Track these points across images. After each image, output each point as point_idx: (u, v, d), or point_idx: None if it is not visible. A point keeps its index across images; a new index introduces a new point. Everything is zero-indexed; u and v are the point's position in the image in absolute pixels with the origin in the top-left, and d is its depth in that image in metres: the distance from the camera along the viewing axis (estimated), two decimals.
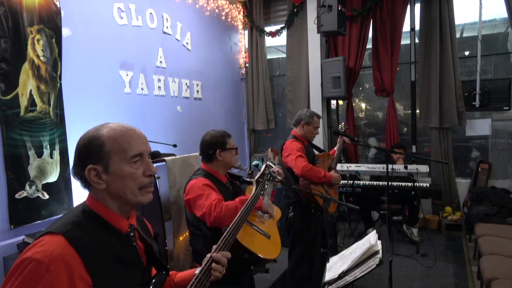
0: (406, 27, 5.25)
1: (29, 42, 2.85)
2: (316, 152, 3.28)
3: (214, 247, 1.25)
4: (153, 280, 1.12)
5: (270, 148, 2.66)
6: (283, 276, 3.56)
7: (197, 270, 1.20)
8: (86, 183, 1.05)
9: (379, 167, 4.61)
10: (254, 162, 5.63)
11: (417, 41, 5.20)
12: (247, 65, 6.31)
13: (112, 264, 0.99)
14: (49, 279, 0.87)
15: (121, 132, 1.05)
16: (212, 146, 2.16)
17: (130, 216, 1.11)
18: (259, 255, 1.87)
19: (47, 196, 2.93)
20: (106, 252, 0.99)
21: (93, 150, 1.01)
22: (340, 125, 3.38)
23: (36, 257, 0.89)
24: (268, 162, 2.45)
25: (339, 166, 4.32)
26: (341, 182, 4.36)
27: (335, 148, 3.30)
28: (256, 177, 1.83)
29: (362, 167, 4.74)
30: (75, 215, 1.01)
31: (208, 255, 1.21)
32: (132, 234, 1.09)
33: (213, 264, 1.18)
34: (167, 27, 4.48)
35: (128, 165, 1.04)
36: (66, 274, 0.89)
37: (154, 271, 1.19)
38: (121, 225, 1.06)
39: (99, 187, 1.02)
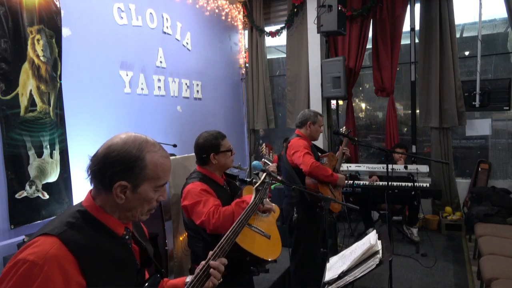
0: (406, 27, 5.25)
1: (29, 42, 2.85)
2: (319, 154, 3.27)
3: (211, 253, 1.24)
4: (147, 283, 1.12)
5: (264, 144, 2.61)
6: (283, 276, 3.55)
7: (188, 278, 1.20)
8: (99, 186, 1.03)
9: (379, 167, 4.61)
10: (254, 162, 5.61)
11: (417, 41, 5.20)
12: (247, 65, 6.31)
13: (106, 266, 0.99)
14: (43, 280, 0.87)
15: (162, 161, 1.08)
16: (206, 150, 2.11)
17: None
18: (261, 257, 1.85)
19: (47, 196, 2.93)
20: (101, 254, 0.99)
21: (134, 170, 1.02)
22: (342, 129, 3.44)
23: (30, 258, 0.88)
24: (263, 159, 2.44)
25: None
26: None
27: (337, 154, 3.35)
28: (256, 185, 1.82)
29: (362, 167, 4.74)
30: (70, 216, 1.00)
31: (203, 262, 1.20)
32: (127, 237, 1.10)
33: (211, 270, 1.17)
34: (167, 27, 4.48)
35: (152, 191, 1.07)
36: (60, 275, 0.89)
37: (147, 275, 1.19)
38: (117, 228, 1.06)
39: (118, 200, 1.02)
